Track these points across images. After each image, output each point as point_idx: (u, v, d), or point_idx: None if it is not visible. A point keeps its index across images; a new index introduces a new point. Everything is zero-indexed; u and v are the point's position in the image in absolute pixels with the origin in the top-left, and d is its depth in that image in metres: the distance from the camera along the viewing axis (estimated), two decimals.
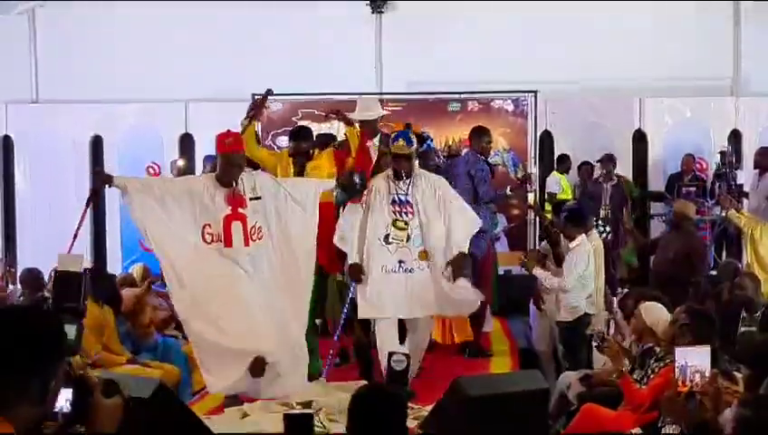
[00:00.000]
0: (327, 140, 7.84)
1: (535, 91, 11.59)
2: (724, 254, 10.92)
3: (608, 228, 8.81)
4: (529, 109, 11.77)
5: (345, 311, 6.65)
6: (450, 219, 6.46)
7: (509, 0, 12.03)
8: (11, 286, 9.26)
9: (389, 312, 6.41)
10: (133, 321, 7.76)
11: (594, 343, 5.92)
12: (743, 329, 6.62)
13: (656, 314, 5.75)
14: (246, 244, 5.87)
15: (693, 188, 11.30)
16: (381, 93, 11.54)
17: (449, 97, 11.86)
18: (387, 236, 6.39)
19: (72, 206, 12.19)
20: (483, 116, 11.42)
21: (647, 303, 5.91)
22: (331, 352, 6.72)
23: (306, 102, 11.80)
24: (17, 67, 12.75)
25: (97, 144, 12.52)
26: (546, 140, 12.20)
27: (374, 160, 6.88)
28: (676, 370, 4.09)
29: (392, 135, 6.61)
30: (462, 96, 11.83)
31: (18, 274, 9.08)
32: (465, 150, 9.70)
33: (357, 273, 6.41)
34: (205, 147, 11.38)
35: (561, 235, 7.46)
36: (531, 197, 10.59)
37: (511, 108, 11.91)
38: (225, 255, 5.83)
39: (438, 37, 12.25)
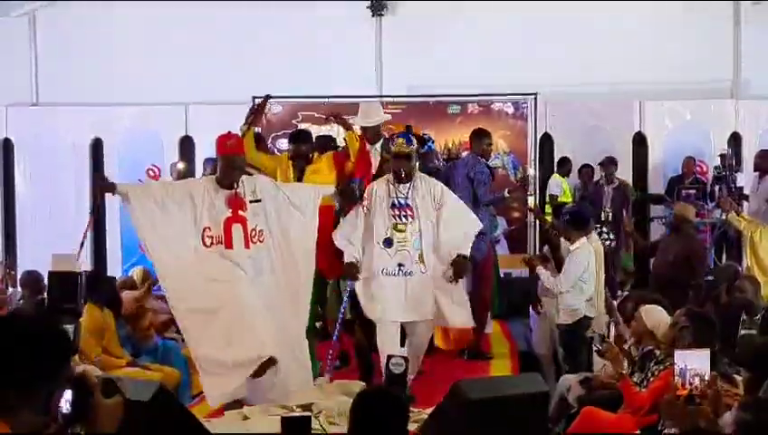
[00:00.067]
0: (327, 142, 7.85)
1: (535, 94, 11.59)
2: (724, 256, 10.92)
3: (611, 236, 8.79)
4: (529, 111, 11.77)
5: (342, 312, 6.66)
6: (451, 222, 6.47)
7: (509, 0, 12.03)
8: (11, 289, 9.25)
9: (389, 314, 6.42)
10: (133, 324, 7.77)
11: (594, 347, 5.92)
12: (743, 332, 6.61)
13: (656, 316, 5.75)
14: (247, 246, 5.87)
15: (693, 191, 11.29)
16: (381, 96, 11.53)
17: (449, 100, 11.87)
18: (387, 240, 6.39)
19: (71, 209, 12.25)
20: (483, 118, 11.42)
21: (647, 306, 5.91)
22: (330, 353, 6.72)
23: (306, 105, 11.80)
24: (17, 70, 12.75)
25: (97, 147, 12.53)
26: (546, 142, 12.21)
27: (376, 165, 6.88)
28: (676, 373, 4.09)
29: (392, 136, 6.62)
30: (462, 99, 11.83)
31: (18, 276, 9.08)
32: (464, 153, 9.72)
33: (352, 271, 6.41)
34: (205, 149, 11.39)
35: (562, 237, 7.46)
36: (531, 200, 10.61)
37: (511, 110, 11.91)
38: (225, 257, 5.83)
39: (438, 39, 12.26)
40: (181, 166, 11.60)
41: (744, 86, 12.46)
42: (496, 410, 4.16)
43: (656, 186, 12.28)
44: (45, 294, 8.02)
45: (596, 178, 11.64)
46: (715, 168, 11.31)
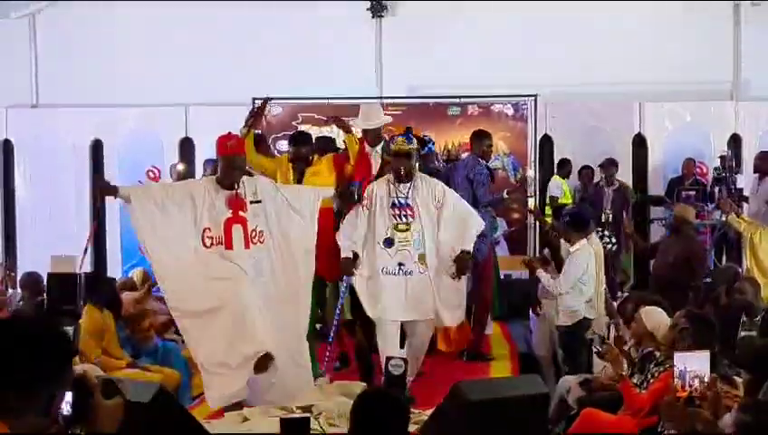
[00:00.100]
0: (327, 143, 7.85)
1: (535, 95, 11.60)
2: (724, 258, 10.92)
3: (613, 240, 8.80)
4: (529, 113, 11.77)
5: (337, 314, 6.67)
6: (453, 221, 6.46)
7: (509, 0, 12.05)
8: (11, 290, 9.25)
9: (390, 313, 6.41)
10: (133, 325, 7.77)
11: (594, 349, 5.92)
12: (743, 333, 6.60)
13: (656, 318, 5.75)
14: (247, 247, 5.87)
15: (693, 193, 11.29)
16: (381, 98, 11.54)
17: (449, 101, 11.87)
18: (387, 240, 6.39)
19: (71, 210, 12.26)
20: (483, 120, 11.43)
21: (647, 307, 5.91)
22: (327, 354, 6.72)
23: (306, 106, 11.80)
24: (18, 71, 12.75)
25: (97, 148, 12.53)
26: (546, 144, 12.21)
27: (376, 168, 6.88)
28: (675, 375, 4.09)
29: (393, 137, 6.63)
30: (462, 100, 11.84)
31: (18, 278, 9.08)
32: (464, 155, 9.72)
33: (349, 266, 6.41)
34: (205, 151, 11.39)
35: (562, 239, 7.46)
36: (531, 201, 10.61)
37: (511, 112, 11.90)
38: (225, 257, 5.82)
39: (438, 40, 12.26)
40: (181, 167, 11.60)
41: (743, 87, 12.46)
42: (496, 412, 4.17)
43: (656, 187, 12.28)
44: (45, 295, 8.04)
45: (596, 179, 11.64)
46: (715, 169, 11.31)
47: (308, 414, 5.38)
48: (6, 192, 12.81)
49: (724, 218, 9.37)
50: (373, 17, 12.48)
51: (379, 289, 6.40)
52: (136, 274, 8.80)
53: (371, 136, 7.00)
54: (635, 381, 5.50)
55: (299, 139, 7.14)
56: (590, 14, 12.11)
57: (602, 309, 7.35)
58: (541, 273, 7.30)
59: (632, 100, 12.33)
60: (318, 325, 7.26)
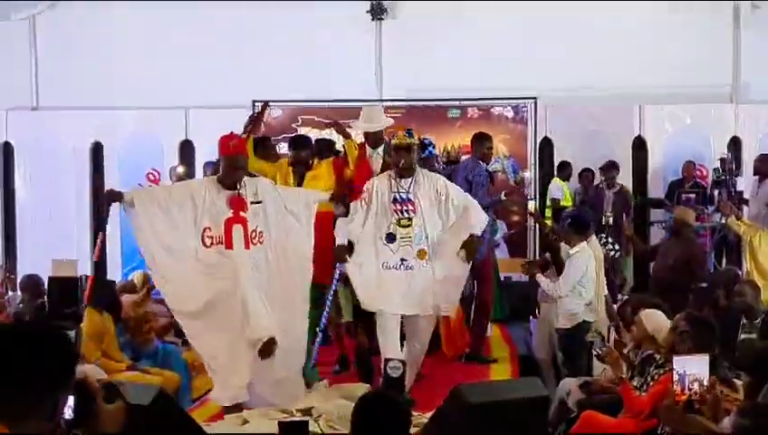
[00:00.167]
0: (327, 145, 7.85)
1: (535, 98, 11.60)
2: (724, 261, 10.93)
3: (616, 246, 8.79)
4: (529, 115, 11.79)
5: (325, 317, 6.66)
6: (458, 210, 6.44)
7: (510, 0, 12.05)
8: (11, 293, 9.25)
9: (391, 307, 6.36)
10: (133, 328, 7.77)
11: (594, 352, 5.91)
12: (743, 336, 6.62)
13: (656, 321, 5.74)
14: (247, 247, 5.87)
15: (693, 195, 11.30)
16: (381, 100, 11.54)
17: (449, 104, 11.87)
18: (389, 235, 6.37)
19: (71, 212, 12.26)
20: (483, 123, 11.44)
21: (647, 310, 5.90)
22: (316, 349, 6.71)
23: (306, 109, 11.81)
24: (18, 74, 12.76)
25: (97, 151, 12.53)
26: (546, 146, 12.21)
27: (377, 170, 6.87)
28: (675, 379, 4.09)
29: (393, 135, 6.61)
30: (462, 103, 11.84)
31: (18, 280, 9.08)
32: (464, 157, 9.72)
33: (342, 253, 6.38)
34: (205, 153, 11.40)
35: (562, 241, 7.45)
36: (531, 204, 10.61)
37: (511, 114, 11.92)
38: (225, 256, 5.82)
39: (438, 42, 12.26)
40: (181, 170, 11.60)
41: (743, 90, 12.47)
42: (496, 415, 4.16)
43: (656, 190, 12.28)
44: (45, 297, 8.05)
45: (596, 182, 11.64)
46: (715, 171, 11.31)
47: (307, 417, 5.38)
48: (6, 194, 12.80)
49: (724, 221, 9.36)
50: (373, 20, 12.48)
51: (381, 283, 6.37)
52: (136, 277, 8.81)
53: (373, 138, 6.99)
54: (635, 383, 5.50)
55: (299, 142, 7.14)
56: (590, 18, 12.12)
57: (603, 312, 7.34)
58: (540, 277, 7.30)
59: (632, 102, 12.33)
60: (316, 329, 7.26)
